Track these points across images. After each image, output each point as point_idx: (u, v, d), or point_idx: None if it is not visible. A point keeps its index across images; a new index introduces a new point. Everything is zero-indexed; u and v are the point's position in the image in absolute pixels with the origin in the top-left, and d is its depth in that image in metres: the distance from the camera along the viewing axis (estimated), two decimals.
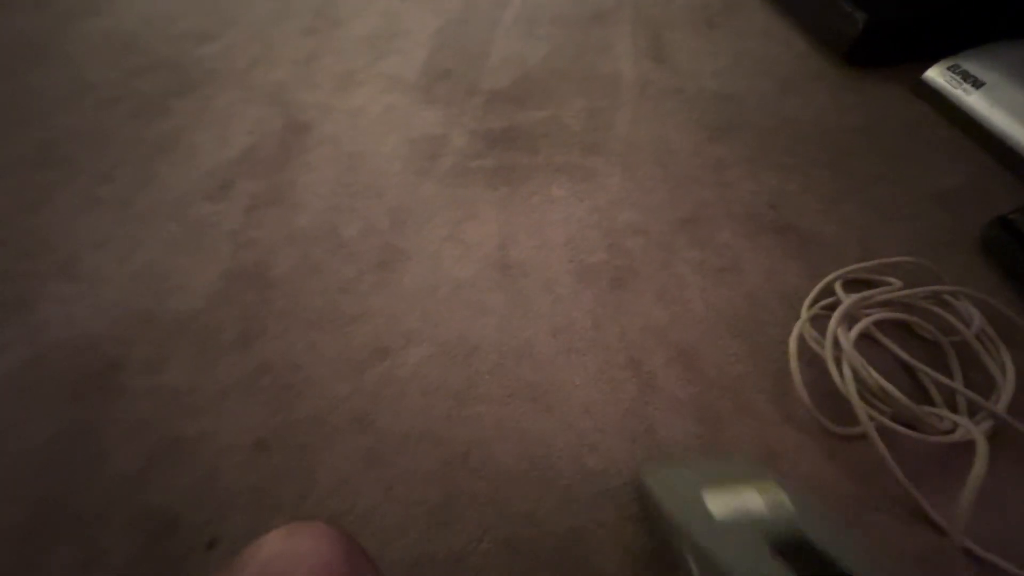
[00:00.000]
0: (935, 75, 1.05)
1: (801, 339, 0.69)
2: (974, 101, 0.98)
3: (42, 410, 0.67)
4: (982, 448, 0.56)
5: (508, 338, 0.73)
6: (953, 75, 1.03)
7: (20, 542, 0.58)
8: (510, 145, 1.00)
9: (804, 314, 0.72)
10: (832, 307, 0.71)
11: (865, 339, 0.69)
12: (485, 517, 0.59)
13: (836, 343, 0.66)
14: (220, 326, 0.75)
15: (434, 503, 0.60)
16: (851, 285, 0.76)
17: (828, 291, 0.75)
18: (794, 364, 0.66)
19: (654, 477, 0.54)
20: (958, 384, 0.65)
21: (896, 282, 0.74)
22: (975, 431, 0.58)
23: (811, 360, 0.68)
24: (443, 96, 1.11)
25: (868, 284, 0.76)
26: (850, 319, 0.70)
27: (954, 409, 0.64)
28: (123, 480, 0.62)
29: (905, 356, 0.67)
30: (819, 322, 0.71)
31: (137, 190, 0.96)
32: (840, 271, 0.76)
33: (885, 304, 0.73)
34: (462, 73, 1.16)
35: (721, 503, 0.44)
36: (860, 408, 0.60)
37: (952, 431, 0.60)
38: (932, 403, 0.64)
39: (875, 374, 0.62)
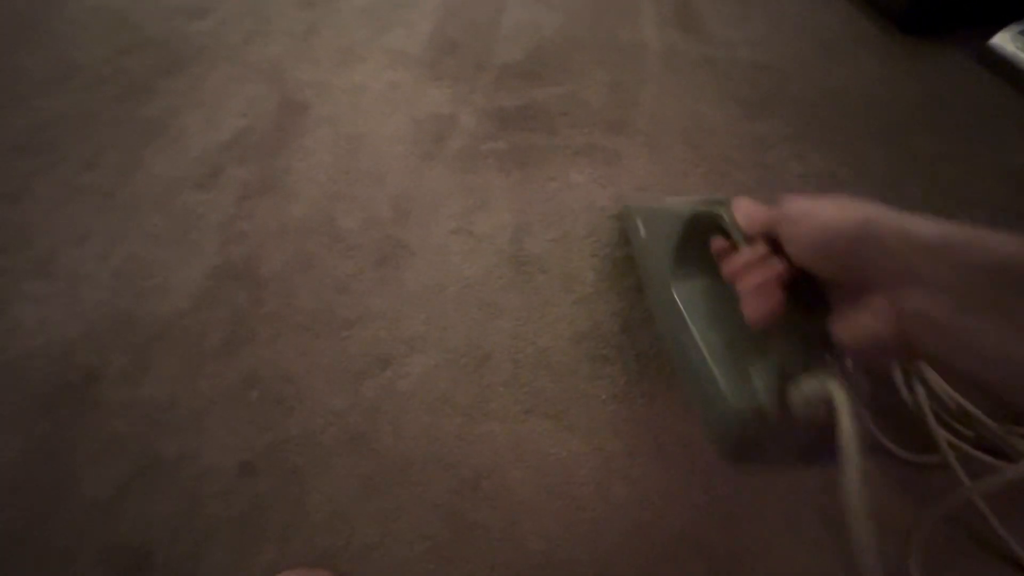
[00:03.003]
0: (1004, 41, 0.94)
1: None
2: None
3: (8, 427, 0.61)
4: None
5: (524, 344, 0.65)
6: None
7: None
8: (524, 125, 0.91)
9: None
10: None
11: None
12: (499, 555, 0.51)
13: None
14: (205, 330, 0.68)
15: (441, 538, 0.52)
16: None
17: None
18: None
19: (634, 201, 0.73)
20: None
21: None
22: None
23: (875, 373, 0.59)
24: (450, 71, 1.01)
25: None
26: None
27: None
28: (94, 508, 0.56)
29: None
30: None
31: (122, 178, 0.88)
32: None
33: None
34: (471, 46, 1.06)
35: (674, 200, 0.59)
36: (938, 433, 0.51)
37: None
38: (1020, 423, 0.55)
39: (952, 391, 0.53)
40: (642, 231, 0.64)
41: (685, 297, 0.49)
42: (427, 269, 0.73)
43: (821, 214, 0.31)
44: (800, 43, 1.03)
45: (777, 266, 0.34)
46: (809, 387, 0.33)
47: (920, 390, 0.54)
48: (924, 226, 0.28)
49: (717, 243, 0.42)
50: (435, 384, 0.62)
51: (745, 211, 0.38)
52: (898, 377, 0.56)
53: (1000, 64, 0.93)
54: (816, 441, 0.36)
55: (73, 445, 0.60)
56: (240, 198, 0.84)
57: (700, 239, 0.45)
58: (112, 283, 0.75)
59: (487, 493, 0.55)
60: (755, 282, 0.34)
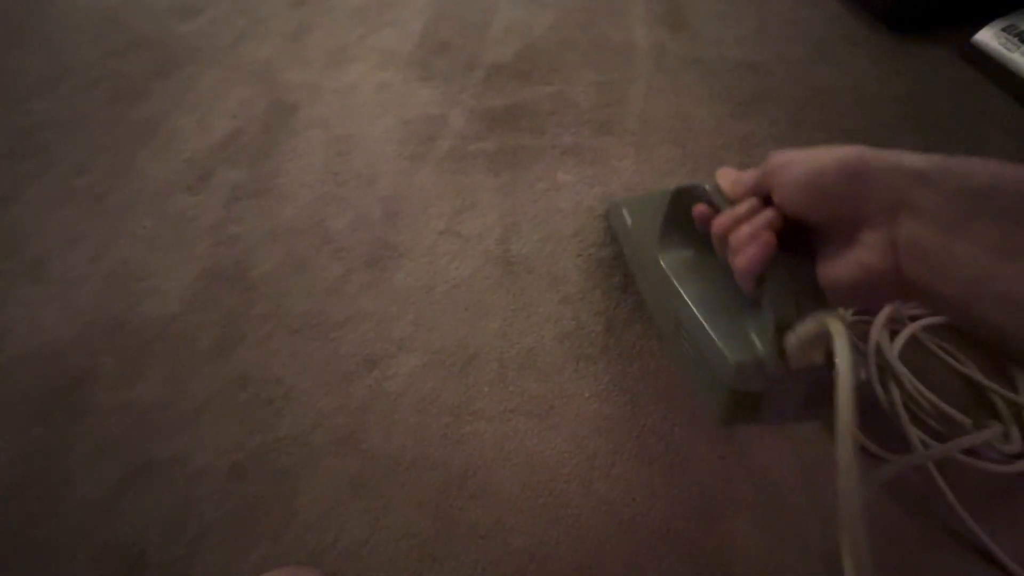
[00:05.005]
0: (988, 37, 0.94)
1: None
2: None
3: (2, 429, 0.62)
4: None
5: (510, 344, 0.66)
6: (1009, 36, 0.92)
7: None
8: (513, 125, 0.91)
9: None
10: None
11: (914, 345, 0.61)
12: (484, 553, 0.53)
13: (879, 353, 0.58)
14: (196, 333, 0.69)
15: (427, 536, 0.53)
16: None
17: None
18: None
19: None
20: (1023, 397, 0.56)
21: None
22: None
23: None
24: (441, 71, 1.02)
25: None
26: (894, 324, 0.61)
27: (1022, 424, 0.56)
28: (89, 509, 0.57)
29: (961, 367, 0.58)
30: (860, 327, 0.62)
31: (113, 181, 0.89)
32: None
33: None
34: (461, 46, 1.07)
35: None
36: (912, 433, 0.52)
37: (1021, 456, 0.52)
38: (997, 416, 0.56)
39: (926, 391, 0.54)
40: (628, 220, 0.65)
41: (674, 267, 0.50)
42: (416, 270, 0.74)
43: (811, 156, 0.31)
44: (788, 42, 1.04)
45: (767, 213, 0.34)
46: (804, 329, 0.33)
47: (894, 389, 0.55)
48: (915, 157, 0.28)
49: (699, 209, 0.42)
50: (422, 384, 0.63)
51: (729, 178, 0.38)
52: (874, 377, 0.57)
53: (983, 60, 0.94)
54: (814, 390, 0.37)
55: (67, 447, 0.61)
56: (231, 200, 0.84)
57: (686, 213, 0.46)
58: (104, 286, 0.75)
59: (473, 491, 0.56)
60: (746, 232, 0.34)
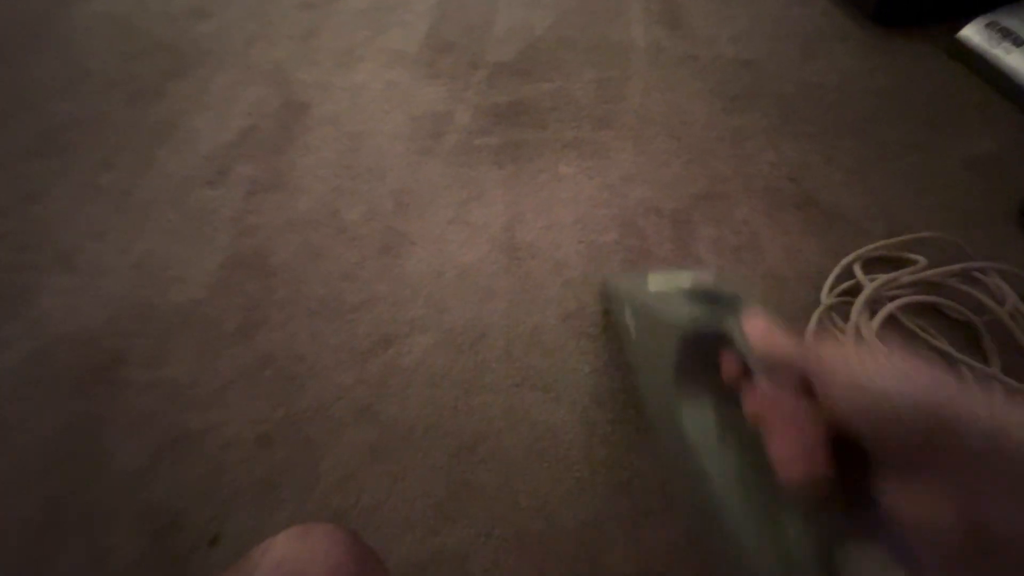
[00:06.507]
0: (972, 33, 0.98)
1: (822, 327, 0.66)
2: (1015, 60, 0.91)
3: (45, 405, 0.67)
4: None
5: (516, 324, 0.70)
6: (992, 32, 0.96)
7: (28, 539, 0.58)
8: (516, 120, 0.96)
9: (824, 301, 0.68)
10: (853, 290, 0.67)
11: (892, 322, 0.65)
12: (494, 511, 0.57)
13: (858, 332, 0.62)
14: (221, 317, 0.73)
15: (441, 497, 0.58)
16: (873, 264, 0.72)
17: (848, 273, 0.71)
18: None
19: (617, 279, 0.65)
20: (995, 370, 0.61)
21: (921, 260, 0.70)
22: None
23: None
24: (446, 70, 1.06)
25: (891, 262, 0.72)
26: (873, 304, 0.66)
27: None
28: (127, 476, 0.61)
29: (935, 342, 0.63)
30: (842, 308, 0.67)
31: (136, 177, 0.93)
32: (859, 251, 0.72)
33: (911, 285, 0.68)
34: (465, 45, 1.11)
35: (658, 282, 0.54)
36: None
37: None
38: None
39: None
40: (632, 331, 0.56)
41: (693, 425, 0.41)
42: (426, 256, 0.78)
43: (878, 380, 0.24)
44: (780, 39, 1.08)
45: (818, 425, 0.27)
46: (869, 570, 0.27)
47: None
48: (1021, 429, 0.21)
49: (728, 366, 0.35)
50: (435, 360, 0.67)
51: (761, 334, 0.32)
52: None
53: (968, 56, 0.98)
54: None
55: (105, 421, 0.65)
56: (249, 194, 0.89)
57: (705, 351, 0.38)
58: (132, 275, 0.80)
59: (483, 456, 0.60)
60: (790, 435, 0.28)
